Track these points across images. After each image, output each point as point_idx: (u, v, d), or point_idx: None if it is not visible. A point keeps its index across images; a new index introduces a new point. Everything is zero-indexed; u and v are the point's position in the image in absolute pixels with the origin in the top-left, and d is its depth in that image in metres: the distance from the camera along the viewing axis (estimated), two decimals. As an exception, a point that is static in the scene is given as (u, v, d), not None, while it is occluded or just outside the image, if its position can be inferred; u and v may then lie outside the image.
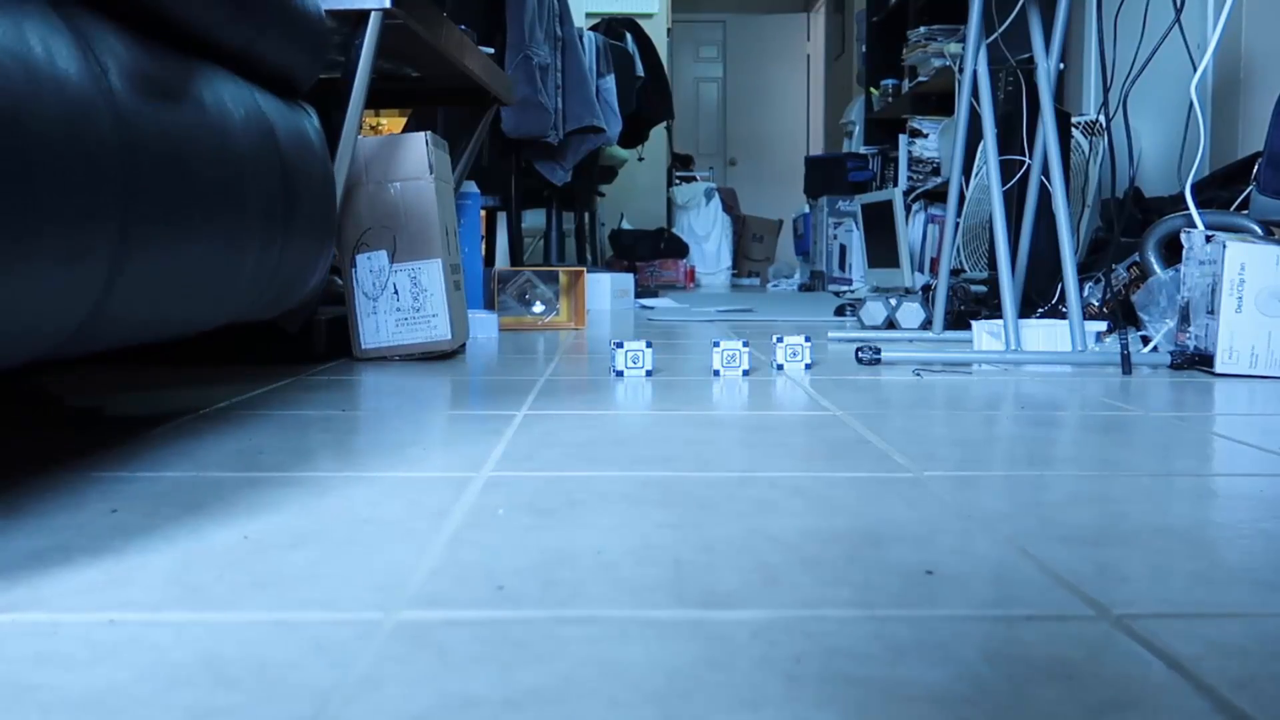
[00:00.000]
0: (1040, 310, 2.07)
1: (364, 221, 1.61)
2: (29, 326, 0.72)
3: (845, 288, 4.56)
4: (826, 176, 5.37)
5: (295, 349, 1.59)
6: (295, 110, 1.27)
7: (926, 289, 2.36)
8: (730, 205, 6.46)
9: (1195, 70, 1.76)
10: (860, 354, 1.63)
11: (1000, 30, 1.91)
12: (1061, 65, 2.11)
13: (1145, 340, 1.75)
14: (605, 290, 3.21)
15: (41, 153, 0.69)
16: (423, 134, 1.63)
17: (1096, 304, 2.04)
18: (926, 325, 2.26)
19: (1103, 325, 1.77)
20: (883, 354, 1.63)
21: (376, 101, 2.45)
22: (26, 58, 0.69)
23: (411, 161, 1.62)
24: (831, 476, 0.83)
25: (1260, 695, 0.43)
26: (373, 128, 3.86)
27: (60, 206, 0.71)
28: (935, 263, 3.73)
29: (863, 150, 5.39)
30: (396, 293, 1.61)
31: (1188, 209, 1.76)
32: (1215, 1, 2.58)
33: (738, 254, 6.58)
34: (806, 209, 5.72)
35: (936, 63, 4.14)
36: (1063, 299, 1.84)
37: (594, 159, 3.69)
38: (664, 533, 0.67)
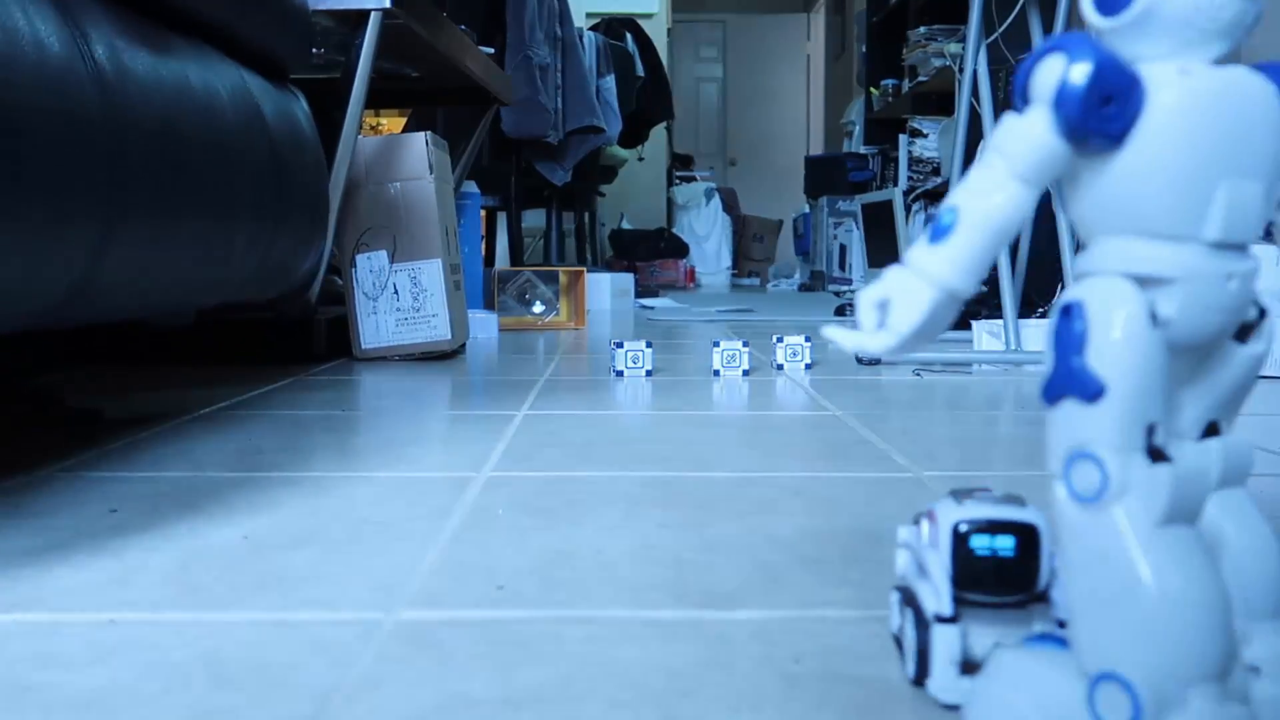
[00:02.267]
0: (1040, 310, 2.07)
1: (364, 221, 1.61)
2: (16, 290, 0.72)
3: (845, 287, 4.56)
4: (826, 176, 5.36)
5: (295, 349, 1.59)
6: (283, 93, 1.27)
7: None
8: (730, 205, 6.46)
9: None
10: (860, 354, 1.63)
11: (1000, 30, 1.91)
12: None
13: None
14: (605, 290, 3.21)
15: (23, 118, 0.69)
16: (423, 134, 1.63)
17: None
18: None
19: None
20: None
21: (376, 101, 2.44)
22: (6, 23, 0.69)
23: (411, 161, 1.62)
24: (831, 476, 0.83)
25: (1260, 695, 0.43)
26: (373, 128, 3.86)
27: (44, 171, 0.71)
28: (935, 263, 3.74)
29: (863, 150, 5.39)
30: (396, 293, 1.61)
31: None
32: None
33: (738, 254, 6.58)
34: (806, 209, 5.72)
35: (936, 63, 4.14)
36: (1063, 299, 1.84)
37: (594, 159, 3.69)
38: (664, 533, 0.67)
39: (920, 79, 4.43)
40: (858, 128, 5.55)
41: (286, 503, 0.74)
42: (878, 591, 0.55)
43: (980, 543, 0.41)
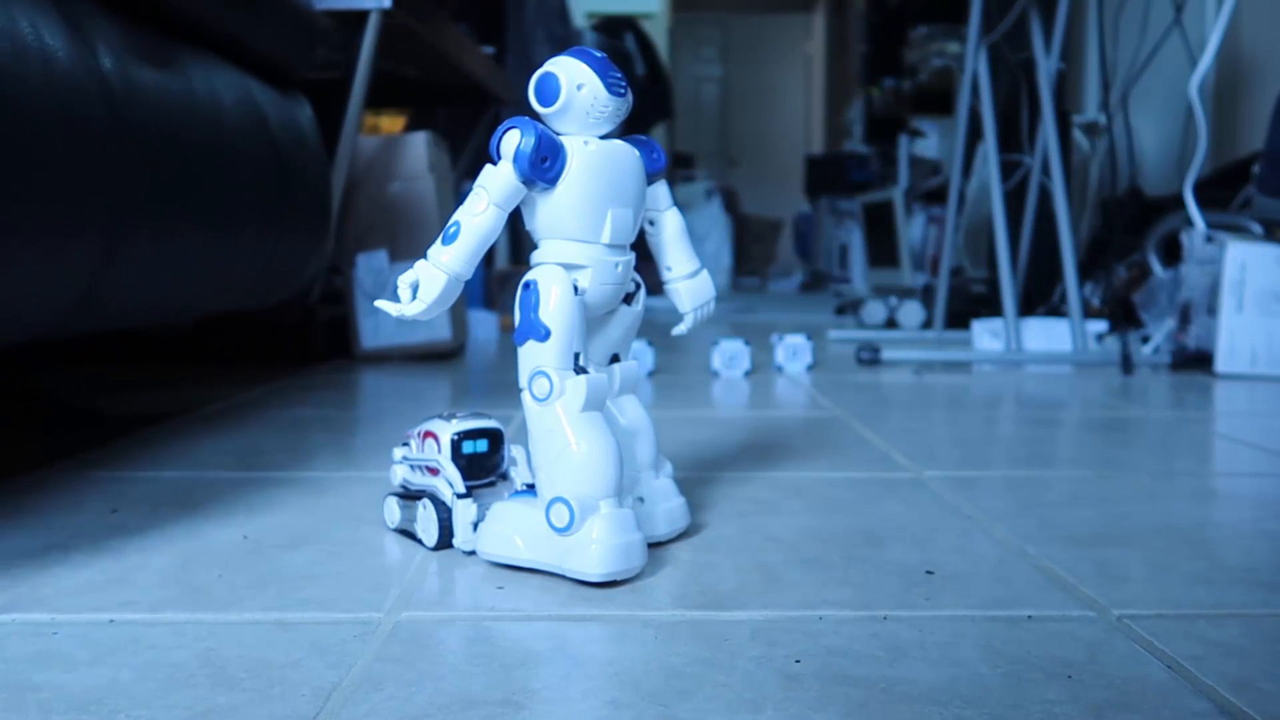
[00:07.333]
0: (1040, 310, 2.07)
1: (364, 221, 1.61)
2: (25, 302, 0.72)
3: (845, 287, 4.56)
4: (826, 176, 5.36)
5: (295, 349, 1.59)
6: (288, 99, 1.27)
7: (927, 289, 2.36)
8: (731, 205, 6.46)
9: (1195, 70, 1.76)
10: (860, 354, 1.63)
11: (1000, 30, 1.90)
12: (1061, 65, 2.11)
13: (1145, 340, 1.75)
14: (605, 290, 3.20)
15: (31, 130, 0.69)
16: (423, 134, 1.63)
17: (1096, 304, 2.04)
18: (927, 325, 2.26)
19: (1103, 325, 1.76)
20: (883, 354, 1.63)
21: (376, 101, 2.44)
22: (14, 35, 0.69)
23: (411, 161, 1.62)
24: (831, 476, 0.83)
25: (1260, 695, 0.43)
26: (373, 128, 3.86)
27: (51, 183, 0.71)
28: (935, 262, 3.74)
29: (863, 150, 5.39)
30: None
31: (1188, 208, 1.75)
32: (1215, 1, 2.58)
33: (738, 254, 6.58)
34: (807, 209, 5.72)
35: (936, 63, 4.14)
36: (1063, 299, 1.84)
37: (594, 159, 3.68)
38: (664, 533, 0.66)
39: (920, 79, 4.43)
40: (858, 128, 5.55)
41: (286, 503, 0.74)
42: (878, 592, 0.55)
43: (468, 446, 0.63)
